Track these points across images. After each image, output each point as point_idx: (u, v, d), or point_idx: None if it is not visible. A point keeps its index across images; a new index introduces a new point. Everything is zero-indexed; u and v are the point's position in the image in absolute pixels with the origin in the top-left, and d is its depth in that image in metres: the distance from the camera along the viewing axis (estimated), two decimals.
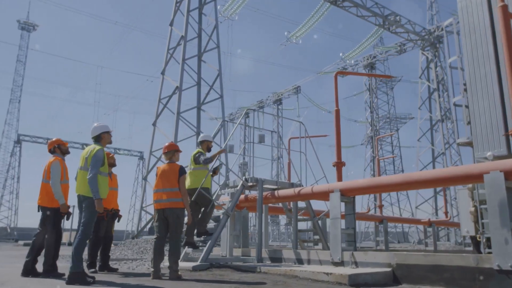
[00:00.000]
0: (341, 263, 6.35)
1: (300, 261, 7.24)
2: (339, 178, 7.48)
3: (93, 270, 6.81)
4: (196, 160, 7.45)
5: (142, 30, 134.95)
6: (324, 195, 7.14)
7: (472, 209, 8.55)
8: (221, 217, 8.17)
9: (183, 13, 18.78)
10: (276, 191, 8.37)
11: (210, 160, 7.36)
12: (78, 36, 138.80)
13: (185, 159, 7.26)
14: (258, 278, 5.81)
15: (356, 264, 6.17)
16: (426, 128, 29.99)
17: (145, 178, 17.72)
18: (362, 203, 43.19)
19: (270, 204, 9.87)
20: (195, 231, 7.34)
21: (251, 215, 17.67)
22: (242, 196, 8.56)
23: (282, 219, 48.34)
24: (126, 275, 6.49)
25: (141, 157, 55.49)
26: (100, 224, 6.84)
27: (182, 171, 6.30)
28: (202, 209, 7.51)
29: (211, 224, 7.89)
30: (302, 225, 9.56)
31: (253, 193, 9.05)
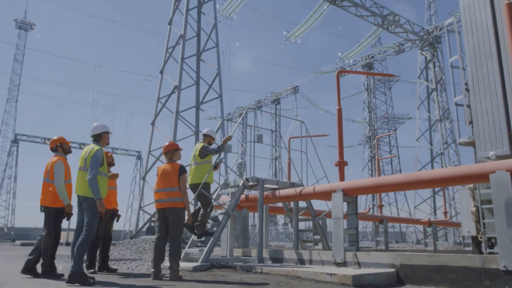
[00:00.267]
0: (344, 264, 6.28)
1: (301, 262, 7.17)
2: (341, 178, 7.41)
3: (92, 270, 6.73)
4: (202, 153, 7.38)
5: (140, 29, 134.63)
6: (326, 195, 7.07)
7: (473, 209, 8.51)
8: (218, 217, 8.12)
9: (182, 12, 18.69)
10: (277, 191, 8.30)
11: (221, 148, 7.41)
12: (75, 35, 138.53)
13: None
14: (260, 278, 5.74)
15: (359, 264, 6.11)
16: (424, 128, 30.02)
17: (143, 178, 17.61)
18: (360, 203, 43.16)
19: (270, 204, 9.80)
20: (197, 229, 7.32)
21: (250, 215, 17.62)
22: (242, 196, 8.49)
23: (280, 219, 48.48)
24: (126, 275, 6.41)
25: (139, 157, 55.32)
26: (98, 224, 6.74)
27: (182, 170, 6.23)
28: (201, 210, 7.45)
29: (208, 224, 7.84)
30: (301, 225, 9.48)
31: (253, 193, 8.98)
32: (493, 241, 8.27)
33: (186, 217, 6.20)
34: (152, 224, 21.00)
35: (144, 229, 18.28)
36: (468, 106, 8.84)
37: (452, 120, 29.34)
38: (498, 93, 7.42)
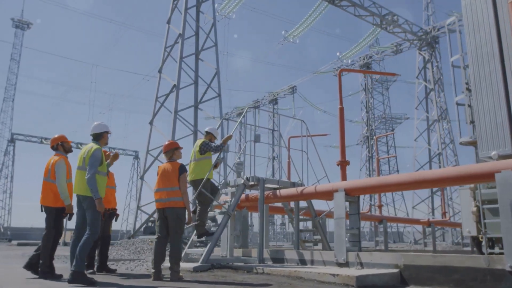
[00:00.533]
0: (346, 264, 6.22)
1: (303, 262, 7.10)
2: (343, 177, 7.36)
3: (91, 271, 6.63)
4: (202, 149, 7.37)
5: (137, 29, 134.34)
6: (327, 195, 7.01)
7: (474, 209, 8.48)
8: (216, 217, 8.05)
9: (180, 11, 18.60)
10: (278, 191, 8.23)
11: (221, 147, 7.38)
12: (72, 34, 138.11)
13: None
14: (262, 279, 5.68)
15: (361, 265, 6.05)
16: (421, 128, 30.01)
17: (141, 178, 17.51)
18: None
19: (270, 204, 9.74)
20: (196, 229, 7.26)
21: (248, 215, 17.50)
22: (242, 196, 8.42)
23: (278, 218, 48.49)
24: (127, 276, 6.32)
25: (136, 157, 55.17)
26: None
27: (182, 169, 6.15)
28: (199, 208, 7.41)
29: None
30: (300, 225, 9.42)
31: (254, 193, 8.92)
32: (495, 240, 8.28)
33: (187, 217, 6.13)
34: (150, 224, 20.94)
35: (142, 229, 18.20)
36: (469, 106, 8.82)
37: (451, 120, 29.39)
38: (500, 93, 7.38)
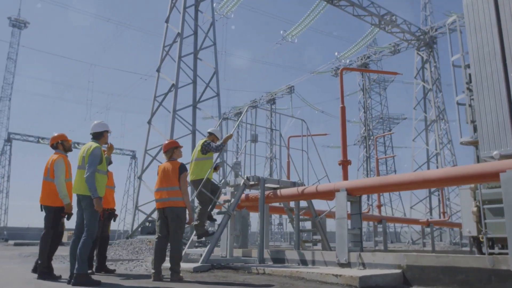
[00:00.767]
0: (348, 264, 6.17)
1: (303, 262, 7.04)
2: (345, 177, 7.30)
3: (90, 271, 6.54)
4: (204, 149, 7.36)
5: (135, 28, 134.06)
6: (329, 194, 6.96)
7: (475, 209, 8.44)
8: (213, 217, 7.99)
9: (179, 10, 18.52)
10: (278, 190, 8.17)
11: (221, 147, 7.38)
12: (70, 34, 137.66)
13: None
14: (264, 280, 5.62)
15: (363, 265, 6.00)
16: (419, 128, 29.99)
17: (139, 177, 17.41)
18: None
19: (270, 204, 9.68)
20: (196, 229, 7.20)
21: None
22: (242, 196, 8.36)
23: (276, 218, 48.46)
24: (127, 276, 6.24)
25: (133, 156, 55.07)
26: None
27: (182, 169, 6.07)
28: (199, 208, 7.36)
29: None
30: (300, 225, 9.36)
31: (253, 193, 8.86)
32: (495, 240, 8.25)
33: (187, 217, 6.06)
34: (147, 224, 20.85)
35: (139, 229, 18.11)
36: (470, 106, 8.79)
37: (449, 120, 29.42)
38: (502, 92, 7.33)
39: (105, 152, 6.15)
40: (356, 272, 5.33)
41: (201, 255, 7.21)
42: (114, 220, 7.29)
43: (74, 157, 6.06)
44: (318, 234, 8.98)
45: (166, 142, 6.48)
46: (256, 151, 8.50)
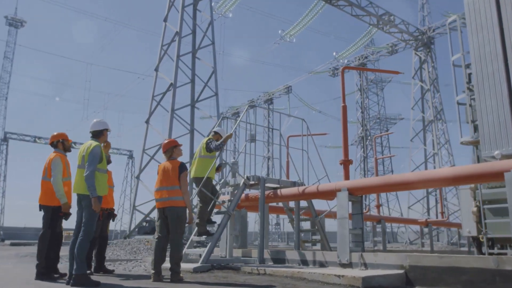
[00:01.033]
0: (349, 265, 6.12)
1: (304, 262, 6.99)
2: (346, 177, 7.25)
3: (88, 272, 6.47)
4: (208, 147, 7.48)
5: (133, 27, 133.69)
6: (330, 194, 6.91)
7: (475, 209, 8.42)
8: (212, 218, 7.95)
9: (177, 9, 18.43)
10: (278, 190, 8.12)
11: (220, 146, 7.43)
12: (67, 33, 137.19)
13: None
14: (265, 280, 5.56)
15: (365, 265, 5.95)
16: (416, 128, 29.99)
17: (137, 177, 17.31)
18: None
19: (269, 204, 9.62)
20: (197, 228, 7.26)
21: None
22: (242, 195, 8.29)
23: (273, 218, 48.38)
24: (126, 277, 6.16)
25: (131, 156, 54.87)
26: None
27: (182, 168, 5.99)
28: (199, 206, 7.31)
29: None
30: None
31: (253, 192, 8.81)
32: (495, 240, 8.23)
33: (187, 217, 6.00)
34: (145, 224, 20.77)
35: (136, 229, 18.03)
36: (470, 105, 8.76)
37: (447, 120, 29.45)
38: (503, 92, 7.30)
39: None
40: (359, 273, 5.28)
41: (200, 255, 7.15)
42: (113, 220, 7.21)
43: (73, 157, 6.00)
44: (317, 234, 8.94)
45: (166, 141, 6.40)
46: (255, 150, 8.45)
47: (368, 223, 17.36)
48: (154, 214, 17.06)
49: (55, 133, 6.28)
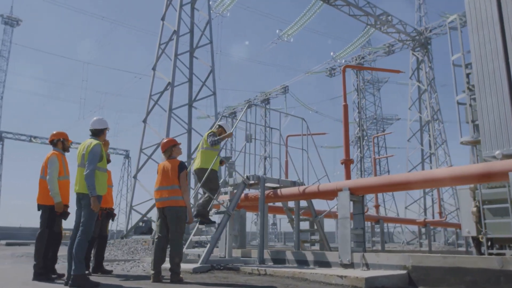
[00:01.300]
0: (351, 265, 6.06)
1: (305, 263, 6.93)
2: (348, 176, 7.20)
3: (86, 272, 6.38)
4: (208, 138, 7.54)
5: (130, 26, 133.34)
6: (331, 194, 6.85)
7: (474, 209, 8.39)
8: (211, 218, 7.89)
9: (175, 7, 18.33)
10: (278, 190, 8.05)
11: (217, 141, 7.46)
12: (63, 31, 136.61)
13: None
14: (266, 281, 5.49)
15: (367, 266, 5.89)
16: (413, 129, 30.00)
17: (134, 177, 17.19)
18: None
19: (269, 203, 9.56)
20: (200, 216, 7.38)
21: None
22: (241, 195, 8.22)
23: (270, 218, 48.28)
24: (126, 277, 6.08)
25: (127, 156, 54.67)
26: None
27: (182, 167, 5.92)
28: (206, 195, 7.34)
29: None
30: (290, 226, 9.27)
31: (252, 192, 8.74)
32: (494, 240, 8.20)
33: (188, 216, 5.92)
34: (141, 224, 20.64)
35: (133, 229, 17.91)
36: (470, 105, 8.72)
37: (445, 121, 29.50)
38: (504, 91, 7.27)
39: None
40: (361, 273, 5.23)
41: (199, 255, 7.07)
42: (113, 220, 7.14)
43: (72, 158, 5.92)
44: (316, 234, 8.88)
45: (165, 140, 6.32)
46: (252, 150, 8.40)
47: (367, 223, 17.34)
48: (151, 214, 16.98)
49: (55, 132, 6.20)
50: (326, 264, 6.54)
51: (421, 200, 28.91)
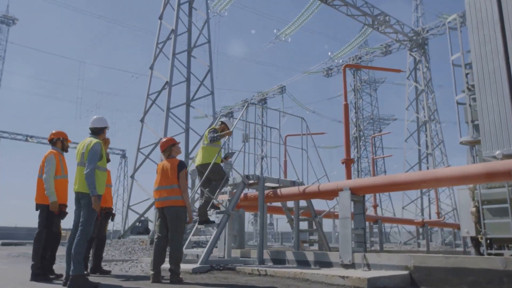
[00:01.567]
0: (352, 265, 6.03)
1: (305, 263, 6.89)
2: (348, 176, 7.16)
3: (85, 272, 6.31)
4: (209, 134, 7.56)
5: (127, 25, 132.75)
6: (331, 194, 6.81)
7: (473, 209, 8.38)
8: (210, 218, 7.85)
9: (173, 6, 18.25)
10: (278, 190, 8.01)
11: (217, 138, 7.47)
12: (60, 30, 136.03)
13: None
14: (266, 281, 5.45)
15: (368, 266, 5.86)
16: (409, 129, 29.99)
17: (132, 176, 17.10)
18: None
19: (268, 203, 9.51)
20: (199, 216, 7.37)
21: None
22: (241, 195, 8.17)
23: (267, 218, 48.23)
24: (126, 278, 6.02)
25: (123, 156, 54.48)
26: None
27: (181, 166, 5.87)
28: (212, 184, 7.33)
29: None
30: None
31: (252, 192, 8.69)
32: (493, 241, 8.19)
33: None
34: (138, 224, 20.56)
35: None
36: (470, 105, 8.71)
37: (442, 121, 29.54)
38: (505, 90, 7.25)
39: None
40: (363, 274, 5.19)
41: (197, 255, 7.02)
42: (112, 220, 7.07)
43: (70, 158, 5.85)
44: (315, 234, 8.84)
45: (163, 140, 6.26)
46: (249, 149, 8.36)
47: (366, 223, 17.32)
48: (148, 214, 16.91)
49: (55, 131, 6.14)
50: (327, 265, 6.50)
51: (418, 200, 28.94)
